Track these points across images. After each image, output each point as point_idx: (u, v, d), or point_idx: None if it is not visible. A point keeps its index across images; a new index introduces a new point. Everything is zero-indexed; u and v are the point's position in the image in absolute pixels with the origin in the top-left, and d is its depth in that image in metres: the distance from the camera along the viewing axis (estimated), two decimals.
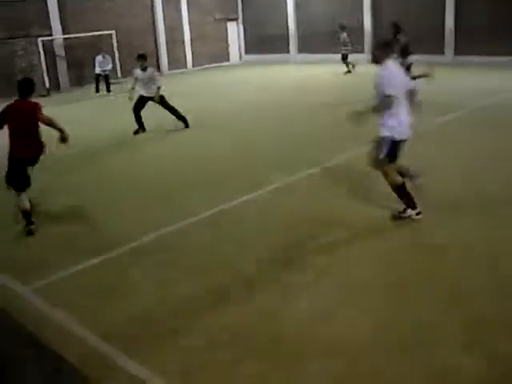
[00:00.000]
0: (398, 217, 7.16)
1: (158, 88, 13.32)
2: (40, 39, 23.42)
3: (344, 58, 23.41)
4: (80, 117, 17.30)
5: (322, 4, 29.30)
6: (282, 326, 4.96)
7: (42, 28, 24.14)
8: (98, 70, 22.71)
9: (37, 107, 7.61)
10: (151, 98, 13.47)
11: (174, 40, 29.67)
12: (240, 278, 5.92)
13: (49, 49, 24.30)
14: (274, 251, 6.53)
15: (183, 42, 30.09)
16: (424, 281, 5.60)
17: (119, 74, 26.00)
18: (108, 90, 22.85)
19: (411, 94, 7.06)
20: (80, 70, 25.49)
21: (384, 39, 7.91)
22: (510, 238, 6.47)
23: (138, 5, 27.98)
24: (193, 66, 30.39)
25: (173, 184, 9.51)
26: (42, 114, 7.60)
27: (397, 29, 15.18)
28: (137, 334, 5.02)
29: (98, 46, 24.86)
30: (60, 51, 24.92)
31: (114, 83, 23.96)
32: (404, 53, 13.83)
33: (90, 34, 25.16)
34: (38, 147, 7.71)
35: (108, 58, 22.98)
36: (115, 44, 26.00)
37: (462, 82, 19.13)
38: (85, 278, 6.23)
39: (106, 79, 22.85)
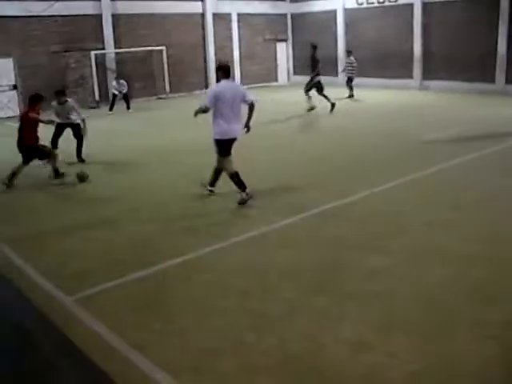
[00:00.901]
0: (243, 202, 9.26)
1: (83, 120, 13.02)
2: (93, 52, 23.94)
3: (349, 82, 23.91)
4: (125, 128, 17.64)
5: (371, 28, 29.38)
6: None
7: (95, 42, 24.69)
8: (114, 91, 22.46)
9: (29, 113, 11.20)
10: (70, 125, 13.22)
11: (224, 58, 29.98)
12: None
13: (100, 62, 24.80)
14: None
15: (232, 60, 30.39)
16: None
17: (167, 89, 26.43)
18: (128, 108, 22.57)
19: (249, 106, 9.34)
20: (129, 83, 25.95)
21: (220, 63, 9.75)
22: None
23: (189, 22, 28.37)
24: (241, 84, 30.64)
25: None
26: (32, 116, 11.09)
27: (314, 48, 19.56)
28: (175, 350, 5.05)
29: (148, 61, 25.34)
30: (111, 65, 25.41)
31: (163, 98, 24.34)
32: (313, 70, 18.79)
33: (140, 48, 25.66)
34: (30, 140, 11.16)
35: (123, 82, 22.41)
36: (165, 59, 26.44)
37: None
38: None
39: (125, 98, 22.51)
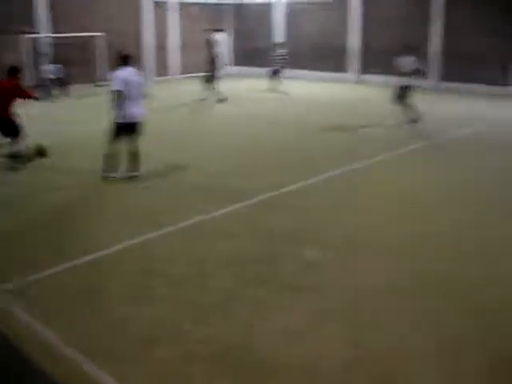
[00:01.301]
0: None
1: None
2: (26, 36, 23.13)
3: (275, 73, 23.66)
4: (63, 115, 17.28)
5: (309, 22, 29.62)
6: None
7: (29, 25, 23.87)
8: (50, 76, 22.02)
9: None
10: None
11: (162, 47, 29.67)
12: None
13: (34, 47, 24.03)
14: None
15: (171, 49, 30.06)
16: None
17: (107, 77, 25.89)
18: (64, 94, 22.24)
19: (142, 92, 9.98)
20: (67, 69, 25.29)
21: (122, 52, 10.22)
22: None
23: (130, 8, 27.88)
24: (181, 73, 30.33)
25: None
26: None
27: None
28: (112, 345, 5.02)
29: (87, 47, 24.78)
30: (45, 49, 24.63)
31: (101, 86, 23.85)
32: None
33: (77, 34, 25.00)
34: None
35: (58, 67, 22.19)
36: (105, 46, 25.91)
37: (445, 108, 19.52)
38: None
39: (61, 83, 22.15)
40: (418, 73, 15.85)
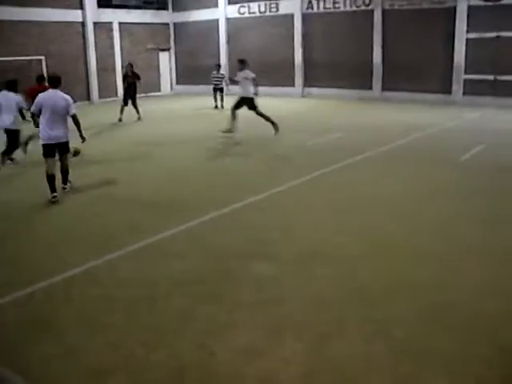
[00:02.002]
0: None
1: None
2: None
3: (217, 92, 24.28)
4: None
5: (253, 38, 29.90)
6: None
7: None
8: None
9: None
10: None
11: (106, 68, 29.38)
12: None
13: None
14: None
15: (114, 70, 29.79)
16: None
17: None
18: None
19: (72, 118, 10.11)
20: None
21: (49, 74, 11.35)
22: None
23: (69, 31, 27.58)
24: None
25: None
26: None
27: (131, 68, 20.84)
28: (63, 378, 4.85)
29: (27, 70, 24.28)
30: None
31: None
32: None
33: (17, 58, 24.55)
34: None
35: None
36: (45, 69, 25.51)
37: (387, 117, 19.96)
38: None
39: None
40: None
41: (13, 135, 12.67)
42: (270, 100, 26.39)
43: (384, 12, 25.52)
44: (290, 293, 6.24)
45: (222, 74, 24.64)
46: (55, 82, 10.19)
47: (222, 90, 24.27)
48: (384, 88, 26.00)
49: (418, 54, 24.75)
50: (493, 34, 22.63)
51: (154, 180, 11.70)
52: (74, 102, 10.64)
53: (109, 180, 11.59)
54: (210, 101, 24.27)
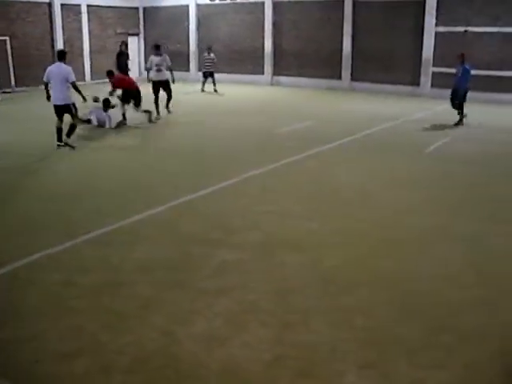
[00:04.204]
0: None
1: None
2: None
3: (207, 77, 24.70)
4: None
5: (224, 25, 29.76)
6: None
7: None
8: None
9: None
10: None
11: (73, 51, 28.86)
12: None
13: None
14: None
15: (82, 54, 29.32)
16: None
17: (13, 83, 24.98)
18: None
19: (72, 84, 12.62)
20: None
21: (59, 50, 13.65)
22: None
23: (36, 12, 27.00)
24: (91, 79, 29.56)
25: None
26: None
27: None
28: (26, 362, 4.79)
29: None
30: None
31: (7, 92, 23.08)
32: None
33: None
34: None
35: None
36: (9, 51, 25.02)
37: (356, 107, 20.09)
38: None
39: None
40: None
41: (66, 111, 12.98)
42: (239, 87, 26.48)
43: (355, 3, 25.56)
44: (255, 280, 6.24)
45: (213, 57, 24.74)
46: (60, 56, 12.84)
47: (212, 73, 24.52)
48: (353, 78, 26.10)
49: (388, 46, 24.89)
50: (461, 29, 22.86)
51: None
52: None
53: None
54: (189, 85, 24.16)
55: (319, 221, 8.25)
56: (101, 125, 15.64)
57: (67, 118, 13.03)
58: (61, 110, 12.80)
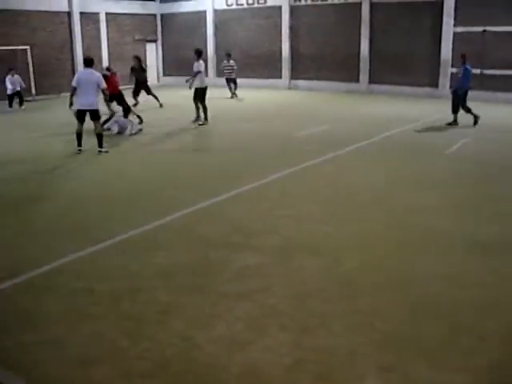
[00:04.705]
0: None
1: None
2: None
3: (230, 83, 25.06)
4: None
5: (241, 30, 29.85)
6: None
7: None
8: (9, 91, 22.04)
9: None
10: None
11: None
12: None
13: None
14: None
15: (101, 61, 29.49)
16: None
17: (33, 91, 25.22)
18: (21, 104, 22.32)
19: (102, 91, 13.18)
20: None
21: (84, 56, 15.41)
22: None
23: (55, 21, 27.28)
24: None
25: None
26: None
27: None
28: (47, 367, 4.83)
29: (11, 60, 24.00)
30: None
31: (29, 101, 23.33)
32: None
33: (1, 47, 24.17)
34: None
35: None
36: (30, 59, 25.27)
37: (374, 110, 20.01)
38: None
39: (19, 95, 22.27)
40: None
41: (95, 116, 13.27)
42: (257, 92, 26.54)
43: (372, 5, 25.52)
44: (274, 284, 6.24)
45: (233, 64, 24.91)
46: (89, 63, 13.26)
47: (234, 80, 24.75)
48: (371, 81, 26.05)
49: (406, 48, 24.82)
50: (479, 29, 22.69)
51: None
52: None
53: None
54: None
55: (336, 225, 8.23)
56: (120, 132, 15.75)
57: (87, 124, 13.19)
58: (89, 114, 13.05)
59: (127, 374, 4.62)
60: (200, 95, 17.18)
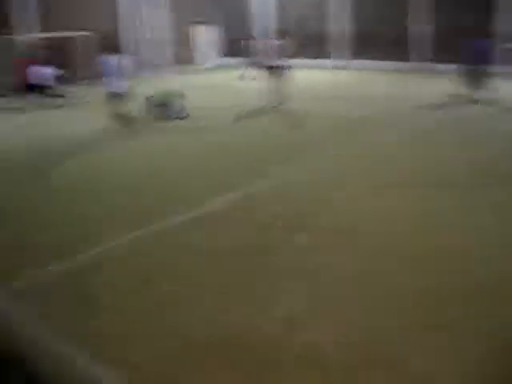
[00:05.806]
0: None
1: None
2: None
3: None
4: None
5: (297, 7, 29.60)
6: None
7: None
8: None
9: None
10: None
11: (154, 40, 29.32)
12: None
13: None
14: None
15: (163, 42, 29.72)
16: None
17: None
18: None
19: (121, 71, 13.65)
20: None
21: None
22: None
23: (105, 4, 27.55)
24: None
25: None
26: None
27: None
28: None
29: (64, 47, 24.05)
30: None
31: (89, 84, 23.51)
32: None
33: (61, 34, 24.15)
34: None
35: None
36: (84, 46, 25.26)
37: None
38: None
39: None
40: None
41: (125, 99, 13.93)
42: (307, 72, 26.07)
43: None
44: (335, 263, 6.19)
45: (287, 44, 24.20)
46: (116, 49, 14.69)
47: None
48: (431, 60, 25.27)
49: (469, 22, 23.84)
50: None
51: None
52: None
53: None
54: None
55: (395, 199, 8.17)
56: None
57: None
58: (121, 97, 13.67)
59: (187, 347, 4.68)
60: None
